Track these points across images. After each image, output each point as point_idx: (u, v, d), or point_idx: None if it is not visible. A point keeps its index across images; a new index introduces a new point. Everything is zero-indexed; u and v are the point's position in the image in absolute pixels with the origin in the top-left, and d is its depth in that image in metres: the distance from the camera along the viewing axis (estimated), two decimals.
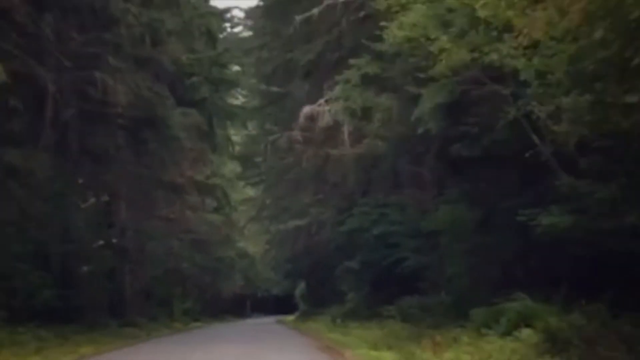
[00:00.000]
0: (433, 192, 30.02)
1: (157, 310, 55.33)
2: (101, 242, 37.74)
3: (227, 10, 71.24)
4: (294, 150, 37.76)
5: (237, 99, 60.79)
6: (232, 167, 68.26)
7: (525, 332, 16.30)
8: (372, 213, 31.11)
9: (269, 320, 72.24)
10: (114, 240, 39.52)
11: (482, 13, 16.36)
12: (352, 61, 30.64)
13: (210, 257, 67.03)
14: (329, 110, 31.37)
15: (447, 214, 23.80)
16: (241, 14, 68.02)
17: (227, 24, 61.91)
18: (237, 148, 54.68)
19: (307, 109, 32.72)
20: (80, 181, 36.34)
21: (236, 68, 53.23)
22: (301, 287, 71.18)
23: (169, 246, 52.40)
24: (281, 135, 37.23)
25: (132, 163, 35.96)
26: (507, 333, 17.16)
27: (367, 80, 30.15)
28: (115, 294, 42.39)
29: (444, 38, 18.96)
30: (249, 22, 60.41)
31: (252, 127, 58.19)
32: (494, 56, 17.85)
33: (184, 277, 67.60)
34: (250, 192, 68.65)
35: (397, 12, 21.03)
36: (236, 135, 61.93)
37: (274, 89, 44.05)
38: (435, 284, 26.99)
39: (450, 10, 19.61)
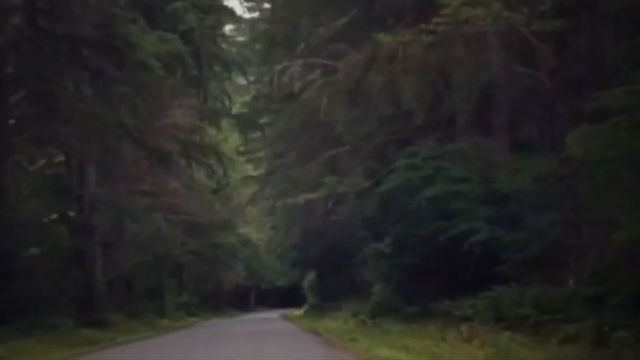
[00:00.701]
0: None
1: (143, 304, 45.52)
2: (54, 216, 27.74)
3: None
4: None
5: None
6: (232, 143, 58.30)
7: None
8: (423, 167, 21.02)
9: (275, 315, 62.18)
10: (72, 214, 29.50)
11: None
12: None
13: (208, 243, 57.05)
14: None
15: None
16: None
17: None
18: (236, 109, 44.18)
19: None
20: (25, 136, 26.37)
21: None
22: (310, 277, 61.16)
23: (156, 227, 42.34)
24: (291, 65, 27.25)
25: (94, 112, 25.95)
26: None
27: None
28: (83, 286, 32.50)
29: None
30: None
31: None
32: None
33: (177, 266, 57.82)
34: (253, 171, 58.39)
35: None
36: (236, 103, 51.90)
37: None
38: (535, 268, 16.98)
39: None
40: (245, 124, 40.31)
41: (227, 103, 40.32)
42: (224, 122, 59.30)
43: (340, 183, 33.24)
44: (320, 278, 53.10)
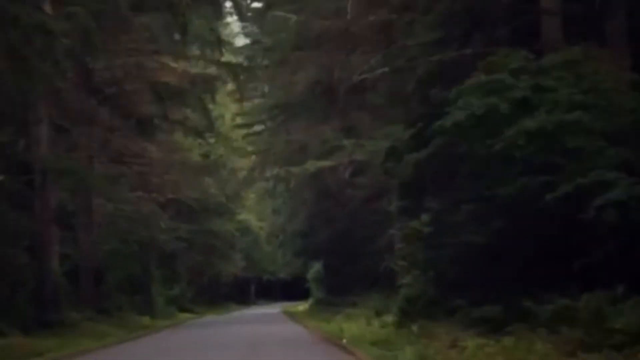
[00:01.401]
0: None
1: (120, 299, 37.42)
2: None
3: None
4: None
5: None
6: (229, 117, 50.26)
7: None
8: (512, 86, 12.65)
9: (276, 310, 54.07)
10: (15, 184, 21.55)
11: None
12: None
13: (201, 229, 48.98)
14: None
15: None
16: None
17: None
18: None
19: None
20: None
21: None
22: (316, 269, 53.18)
23: (135, 208, 34.27)
24: None
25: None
26: None
27: None
28: (33, 278, 24.54)
29: None
30: None
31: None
32: None
33: (166, 256, 49.71)
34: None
35: None
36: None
37: None
38: None
39: None
40: (239, 70, 31.94)
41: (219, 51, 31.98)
42: (220, 96, 51.57)
43: (360, 146, 25.23)
44: (327, 269, 45.04)
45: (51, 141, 25.60)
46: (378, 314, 26.35)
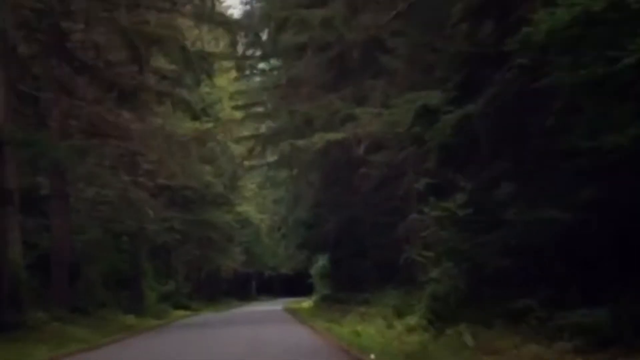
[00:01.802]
0: None
1: (109, 295, 33.12)
2: None
3: None
4: None
5: None
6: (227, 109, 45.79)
7: None
8: None
9: (279, 307, 49.62)
10: None
11: None
12: None
13: (197, 220, 44.56)
14: None
15: None
16: None
17: None
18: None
19: None
20: None
21: None
22: (320, 262, 48.66)
23: (121, 193, 29.82)
24: None
25: None
26: None
27: None
28: None
29: None
30: None
31: None
32: None
33: (159, 248, 45.30)
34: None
35: None
36: None
37: None
38: None
39: None
40: (235, 26, 27.39)
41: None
42: (218, 79, 47.25)
43: (376, 116, 20.76)
44: (334, 262, 40.47)
45: (11, 109, 21.16)
46: (399, 314, 21.94)
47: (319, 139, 21.61)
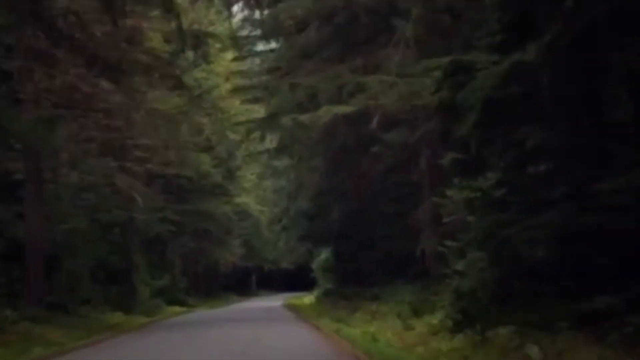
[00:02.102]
0: None
1: (97, 290, 30.37)
2: None
3: None
4: None
5: None
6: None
7: None
8: None
9: (279, 303, 46.82)
10: None
11: None
12: None
13: (193, 210, 41.70)
14: None
15: None
16: None
17: None
18: None
19: None
20: None
21: None
22: (323, 256, 45.90)
23: (107, 179, 26.97)
24: None
25: None
26: None
27: None
28: None
29: None
30: None
31: None
32: None
33: (154, 241, 42.45)
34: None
35: None
36: None
37: None
38: None
39: None
40: None
41: None
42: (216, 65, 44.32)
43: (391, 86, 17.91)
44: (338, 255, 37.60)
45: None
46: (416, 312, 19.09)
47: (325, 113, 18.72)
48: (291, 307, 37.86)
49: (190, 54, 28.87)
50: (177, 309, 40.16)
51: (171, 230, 42.83)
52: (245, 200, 55.57)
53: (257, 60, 38.53)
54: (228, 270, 64.61)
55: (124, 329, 23.23)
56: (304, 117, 19.39)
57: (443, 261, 19.92)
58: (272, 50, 34.06)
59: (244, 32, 31.93)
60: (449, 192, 17.56)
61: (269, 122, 27.47)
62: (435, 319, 16.93)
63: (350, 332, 16.93)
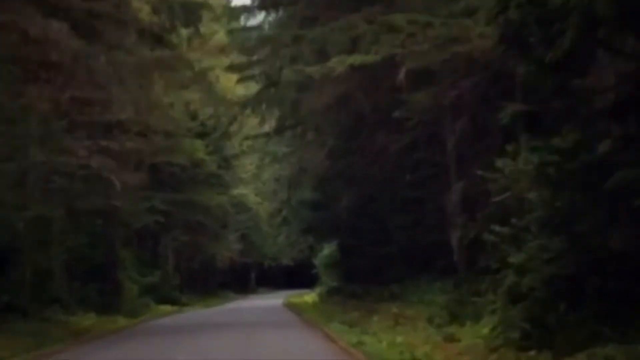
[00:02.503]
0: None
1: (75, 288, 26.37)
2: None
3: None
4: None
5: None
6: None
7: None
8: None
9: (279, 301, 42.67)
10: None
11: None
12: None
13: (185, 200, 37.50)
14: None
15: None
16: None
17: None
18: None
19: None
20: None
21: None
22: (326, 251, 41.79)
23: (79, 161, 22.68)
24: None
25: None
26: None
27: None
28: None
29: None
30: None
31: None
32: None
33: (143, 234, 38.28)
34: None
35: None
36: None
37: None
38: None
39: None
40: None
41: None
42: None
43: (424, 28, 13.69)
44: (345, 249, 33.38)
45: None
46: (455, 317, 14.88)
47: (337, 64, 14.56)
48: (293, 307, 33.69)
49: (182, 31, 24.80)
50: (167, 308, 35.93)
51: (161, 222, 38.62)
52: (243, 191, 51.29)
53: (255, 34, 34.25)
54: (225, 267, 60.34)
55: (90, 335, 18.97)
56: (312, 70, 15.17)
57: (482, 252, 15.78)
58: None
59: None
60: (499, 163, 13.41)
61: (267, 94, 23.21)
62: (484, 328, 12.77)
63: (374, 344, 12.68)
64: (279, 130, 26.90)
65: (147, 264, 40.98)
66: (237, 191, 49.25)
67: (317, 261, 45.99)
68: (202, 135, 42.07)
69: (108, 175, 23.67)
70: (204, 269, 54.33)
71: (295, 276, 68.38)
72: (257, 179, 53.00)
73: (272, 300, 45.28)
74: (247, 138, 34.47)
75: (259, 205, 55.06)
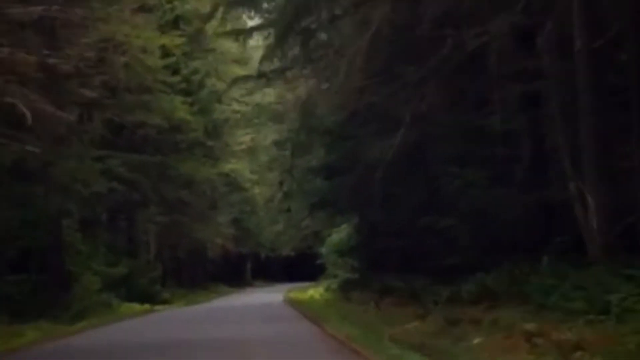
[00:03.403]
0: None
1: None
2: None
3: None
4: None
5: None
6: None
7: None
8: None
9: (279, 297, 33.77)
10: None
11: None
12: None
13: (156, 167, 28.46)
14: None
15: None
16: None
17: None
18: None
19: None
20: None
21: None
22: (336, 237, 33.13)
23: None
24: None
25: None
26: None
27: None
28: None
29: None
30: None
31: None
32: None
33: (115, 214, 29.26)
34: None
35: None
36: None
37: None
38: None
39: None
40: None
41: None
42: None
43: None
44: (367, 228, 24.35)
45: None
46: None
47: None
48: (299, 306, 24.67)
49: None
50: (135, 307, 26.77)
51: (133, 200, 29.78)
52: (236, 166, 42.09)
53: None
54: (218, 257, 51.67)
55: None
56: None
57: None
58: None
59: None
60: None
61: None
62: None
63: None
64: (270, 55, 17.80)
65: (119, 251, 32.10)
66: (228, 166, 40.13)
67: (325, 249, 37.17)
68: (185, 93, 33.26)
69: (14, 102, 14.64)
70: (191, 259, 45.45)
71: (296, 268, 60.33)
72: (253, 154, 43.71)
73: (270, 296, 36.37)
74: (236, 80, 25.14)
75: (255, 186, 45.91)
